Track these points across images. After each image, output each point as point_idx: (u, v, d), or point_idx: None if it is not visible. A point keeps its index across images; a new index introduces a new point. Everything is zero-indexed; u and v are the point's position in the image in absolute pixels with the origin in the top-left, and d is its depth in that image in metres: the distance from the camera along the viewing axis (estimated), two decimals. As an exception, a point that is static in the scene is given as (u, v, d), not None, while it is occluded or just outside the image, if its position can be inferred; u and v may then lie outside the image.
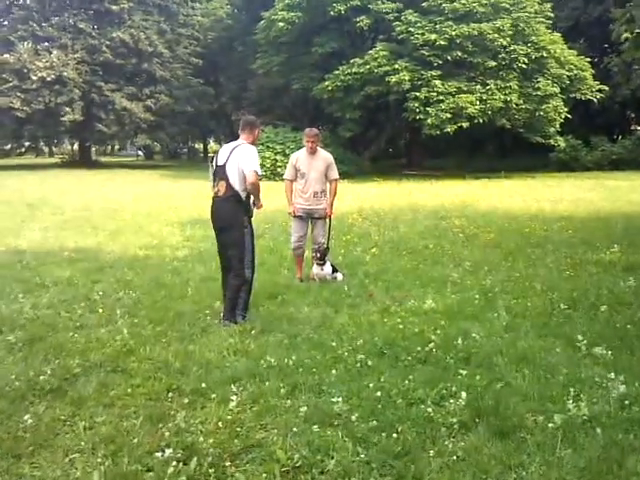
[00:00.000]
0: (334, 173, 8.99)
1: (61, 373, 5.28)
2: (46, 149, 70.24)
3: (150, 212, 16.97)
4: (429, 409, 4.48)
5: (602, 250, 10.52)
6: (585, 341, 5.76)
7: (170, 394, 4.89)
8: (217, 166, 6.85)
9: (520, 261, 9.93)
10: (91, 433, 4.29)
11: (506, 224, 13.76)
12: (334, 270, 9.00)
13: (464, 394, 4.60)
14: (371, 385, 4.91)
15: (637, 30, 15.44)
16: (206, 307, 7.35)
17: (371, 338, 6.11)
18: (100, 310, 7.20)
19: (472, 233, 12.66)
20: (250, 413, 4.57)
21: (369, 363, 5.45)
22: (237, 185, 6.71)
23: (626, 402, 4.58)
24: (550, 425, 4.23)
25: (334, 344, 5.96)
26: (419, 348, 5.74)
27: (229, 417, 4.44)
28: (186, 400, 4.75)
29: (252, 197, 6.91)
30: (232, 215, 6.80)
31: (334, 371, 5.24)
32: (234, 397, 4.70)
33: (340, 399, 4.61)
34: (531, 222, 13.96)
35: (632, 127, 47.58)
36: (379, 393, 4.75)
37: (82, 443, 4.13)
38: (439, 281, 8.65)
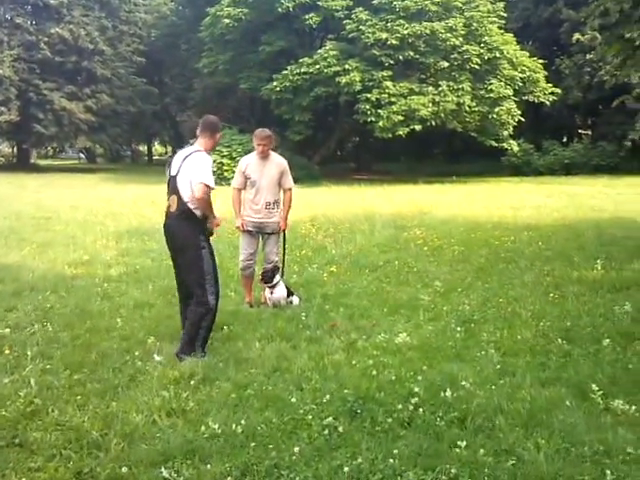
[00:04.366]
0: (289, 181, 7.84)
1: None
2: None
3: (86, 221, 15.50)
4: (428, 509, 3.37)
5: (582, 266, 9.64)
6: (599, 390, 4.75)
7: (77, 486, 3.65)
8: (169, 177, 5.86)
9: (495, 280, 8.91)
10: None
11: (471, 234, 12.79)
12: (289, 293, 7.81)
13: (469, 481, 3.52)
14: (345, 468, 3.76)
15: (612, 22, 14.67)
16: (137, 344, 6.11)
17: (339, 389, 4.96)
18: (7, 351, 5.82)
19: (436, 245, 11.63)
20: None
21: (339, 429, 4.31)
22: (189, 200, 5.71)
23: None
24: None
25: (293, 399, 4.79)
26: (400, 405, 4.63)
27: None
28: (97, 497, 3.53)
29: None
30: (186, 234, 5.83)
31: (296, 445, 4.06)
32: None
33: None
34: (496, 231, 13.08)
35: (580, 131, 47.44)
36: (358, 483, 3.60)
37: None
38: (409, 306, 7.55)
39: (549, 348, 5.98)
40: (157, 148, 75.81)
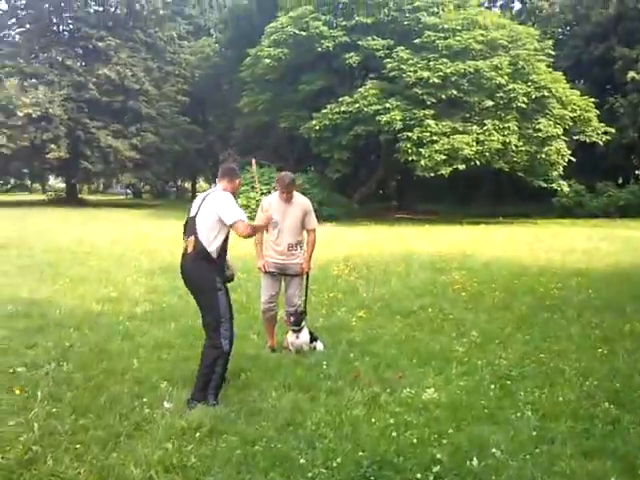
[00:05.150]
0: (313, 221, 7.42)
1: None
2: (39, 186, 69.32)
3: (122, 256, 15.37)
4: None
5: (635, 318, 8.79)
6: (651, 467, 4.12)
7: None
8: (188, 218, 5.83)
9: (537, 331, 8.22)
10: None
11: (514, 280, 12.06)
12: (313, 338, 7.34)
13: None
14: None
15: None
16: (149, 389, 5.83)
17: (354, 451, 4.48)
18: (17, 391, 5.61)
19: (475, 290, 10.97)
20: None
21: (349, 500, 3.80)
22: (206, 241, 5.61)
23: None
24: None
25: (303, 460, 4.33)
26: (419, 474, 4.10)
27: None
28: None
29: (227, 257, 5.88)
30: (201, 276, 5.70)
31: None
32: None
33: None
34: (542, 277, 12.33)
35: (638, 172, 45.86)
36: None
37: None
38: (441, 357, 6.96)
39: (594, 412, 5.33)
40: (202, 185, 76.34)
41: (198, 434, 4.79)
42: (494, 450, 4.47)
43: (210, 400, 5.51)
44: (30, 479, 4.14)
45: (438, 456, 4.36)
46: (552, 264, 14.59)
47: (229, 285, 5.88)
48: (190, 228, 5.71)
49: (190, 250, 5.66)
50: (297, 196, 7.42)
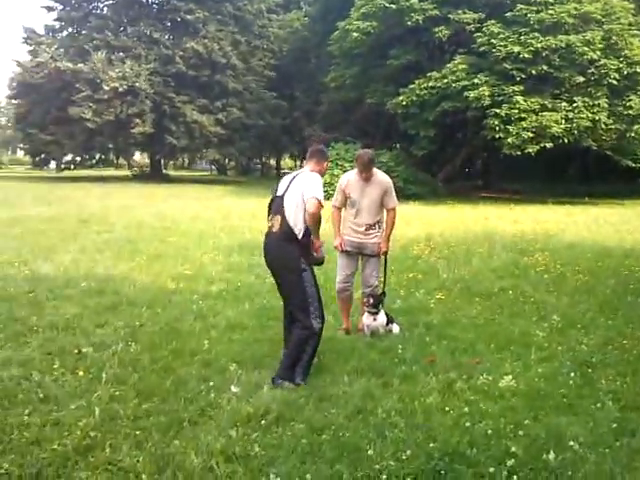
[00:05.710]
0: (392, 200, 7.26)
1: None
2: (124, 161, 70.45)
3: (202, 232, 15.45)
4: None
5: None
6: None
7: None
8: (275, 197, 5.82)
9: (620, 316, 7.94)
10: None
11: (598, 262, 11.72)
12: (389, 320, 7.23)
13: None
14: None
15: None
16: (217, 371, 5.74)
17: (425, 441, 4.35)
18: (81, 372, 5.56)
19: (558, 272, 10.71)
20: None
21: (418, 495, 3.69)
22: (292, 220, 5.60)
23: None
24: None
25: (371, 451, 4.20)
26: (492, 468, 3.96)
27: None
28: None
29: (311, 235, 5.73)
30: (287, 256, 5.67)
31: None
32: None
33: None
34: (627, 260, 11.96)
35: None
36: None
37: None
38: (520, 343, 6.78)
39: (680, 404, 5.09)
40: (287, 162, 76.57)
41: (264, 421, 4.68)
42: (572, 443, 4.32)
43: (297, 379, 5.48)
44: (85, 467, 4.00)
45: (513, 449, 4.22)
46: (638, 246, 14.15)
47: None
48: (277, 207, 5.69)
49: (276, 229, 5.65)
50: (377, 174, 7.27)
